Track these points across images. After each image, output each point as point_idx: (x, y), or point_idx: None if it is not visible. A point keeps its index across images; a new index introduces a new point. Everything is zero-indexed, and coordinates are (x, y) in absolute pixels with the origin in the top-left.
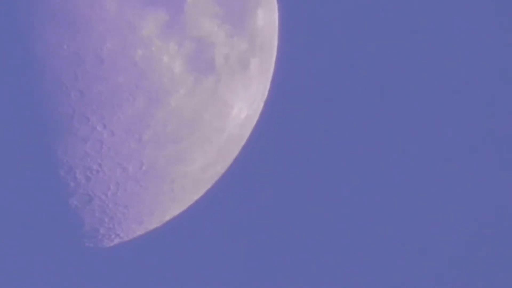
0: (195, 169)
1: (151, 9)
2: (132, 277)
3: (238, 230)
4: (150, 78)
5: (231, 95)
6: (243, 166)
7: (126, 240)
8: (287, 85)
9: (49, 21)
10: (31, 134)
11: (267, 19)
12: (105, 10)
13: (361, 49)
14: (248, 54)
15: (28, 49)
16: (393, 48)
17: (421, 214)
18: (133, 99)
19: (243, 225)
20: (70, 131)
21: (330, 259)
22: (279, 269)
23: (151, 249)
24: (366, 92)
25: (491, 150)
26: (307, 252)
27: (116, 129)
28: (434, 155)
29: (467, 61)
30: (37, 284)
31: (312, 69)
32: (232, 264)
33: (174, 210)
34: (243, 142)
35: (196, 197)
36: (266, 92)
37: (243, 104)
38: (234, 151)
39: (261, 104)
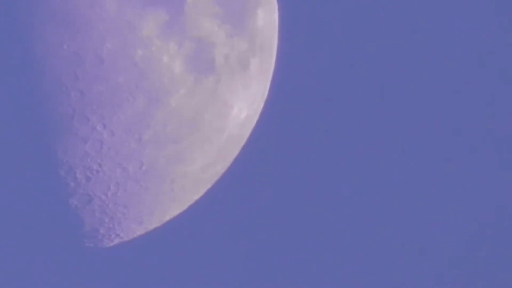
0: (195, 169)
1: (151, 9)
2: (132, 277)
3: (238, 230)
4: (150, 78)
5: (231, 95)
6: (243, 166)
7: (126, 240)
8: (287, 85)
9: (49, 21)
10: (31, 134)
11: (267, 19)
12: (105, 10)
13: (361, 49)
14: (248, 54)
15: (28, 49)
16: (393, 48)
17: (421, 214)
18: (133, 99)
19: (243, 225)
20: (70, 131)
21: (330, 259)
22: (279, 269)
23: (151, 249)
24: (366, 92)
25: (491, 150)
26: (307, 252)
27: (116, 129)
28: (434, 155)
29: (467, 61)
30: (37, 284)
31: (312, 69)
32: (232, 264)
33: (174, 210)
34: (243, 142)
35: (196, 197)
36: (266, 92)
37: (243, 104)
38: (234, 151)
39: (261, 104)
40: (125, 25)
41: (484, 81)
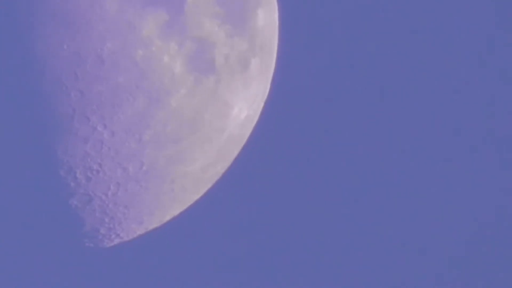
0: (195, 169)
1: (151, 9)
2: (132, 277)
3: (238, 230)
4: (150, 78)
5: (232, 95)
6: (243, 166)
7: (126, 240)
8: (287, 85)
9: (49, 21)
10: (31, 134)
11: (267, 19)
12: (105, 10)
13: (361, 49)
14: (248, 54)
15: (28, 49)
16: (393, 48)
17: (421, 214)
18: (134, 99)
19: (243, 225)
20: (70, 131)
21: (330, 259)
22: (279, 269)
23: (151, 249)
24: (366, 92)
25: (491, 150)
26: (307, 252)
27: (117, 129)
28: (434, 155)
29: (467, 61)
30: (37, 284)
31: (312, 69)
32: (232, 264)
33: (174, 210)
34: (243, 142)
35: (196, 197)
36: (267, 92)
37: (243, 104)
38: (234, 151)
39: (261, 104)
40: (125, 25)
41: (484, 81)
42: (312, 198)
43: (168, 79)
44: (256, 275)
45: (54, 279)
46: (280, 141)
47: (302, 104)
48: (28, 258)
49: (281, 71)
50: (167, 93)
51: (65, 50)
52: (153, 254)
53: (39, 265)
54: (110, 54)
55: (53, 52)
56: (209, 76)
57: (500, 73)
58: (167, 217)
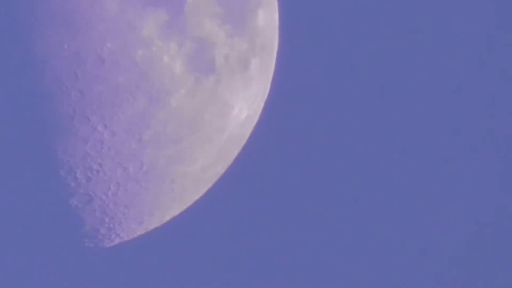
0: (195, 169)
1: (151, 9)
2: (132, 277)
3: (238, 230)
4: (150, 78)
5: (232, 95)
6: (243, 166)
7: (126, 240)
8: (288, 85)
9: (49, 21)
10: (31, 134)
11: (268, 19)
12: (105, 10)
13: (361, 49)
14: (248, 54)
15: (28, 49)
16: (393, 48)
17: (421, 214)
18: (134, 99)
19: (243, 225)
20: (70, 131)
21: (330, 259)
22: (279, 269)
23: (151, 249)
24: (366, 92)
25: (491, 150)
26: (307, 252)
27: (117, 129)
28: (434, 155)
29: (467, 61)
30: (37, 284)
31: (312, 69)
32: (232, 264)
33: (175, 210)
34: (243, 142)
35: (196, 197)
36: (267, 92)
37: (243, 104)
38: (234, 151)
39: (262, 104)
40: (125, 25)
41: (484, 81)
42: (312, 198)
43: (168, 79)
44: (256, 275)
45: (54, 279)
46: (280, 141)
47: (302, 104)
48: (28, 258)
49: (281, 71)
50: (167, 93)
51: (65, 50)
52: (153, 254)
53: (39, 265)
54: (110, 54)
55: (53, 52)
56: (209, 76)
57: (500, 73)
58: (167, 217)
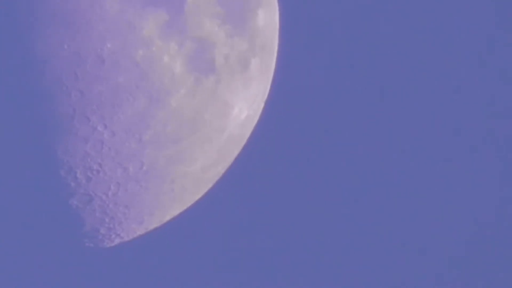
0: (195, 169)
1: (151, 9)
2: (132, 277)
3: (238, 230)
4: (150, 78)
5: (232, 95)
6: (243, 166)
7: (126, 240)
8: (288, 85)
9: (49, 21)
10: (32, 134)
11: (268, 19)
12: (105, 10)
13: (361, 49)
14: (248, 54)
15: (28, 49)
16: (393, 48)
17: (421, 214)
18: (134, 99)
19: (243, 225)
20: (70, 131)
21: (330, 259)
22: (279, 269)
23: (152, 249)
24: (366, 92)
25: (491, 150)
26: (307, 252)
27: (117, 129)
28: (434, 155)
29: (467, 61)
30: (37, 284)
31: (312, 69)
32: (232, 264)
33: (175, 210)
34: (243, 142)
35: (196, 197)
36: (267, 92)
37: (243, 104)
38: (234, 151)
39: (262, 104)
40: (125, 25)
41: (484, 81)
42: (312, 198)
43: (168, 79)
44: (256, 275)
45: (54, 279)
46: (280, 141)
47: (302, 104)
48: (28, 258)
49: (281, 71)
50: (167, 93)
51: (65, 50)
52: (153, 254)
53: (39, 265)
54: (110, 54)
55: (53, 52)
56: (209, 76)
57: (500, 73)
58: (167, 217)
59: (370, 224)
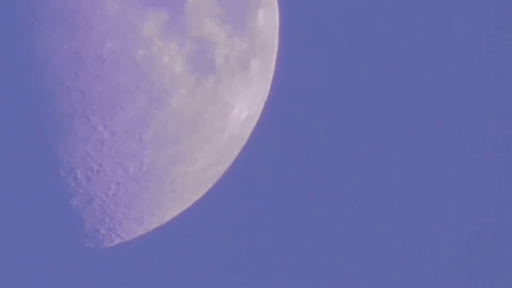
0: (195, 169)
1: (151, 9)
2: (132, 277)
3: (238, 230)
4: (150, 78)
5: (232, 95)
6: (243, 167)
7: (126, 240)
8: (288, 85)
9: (49, 21)
10: (32, 134)
11: (268, 19)
12: (105, 10)
13: (361, 49)
14: (248, 54)
15: (28, 49)
16: (393, 48)
17: (421, 214)
18: (134, 99)
19: (243, 225)
20: (70, 131)
21: (330, 259)
22: (279, 269)
23: (152, 249)
24: (366, 92)
25: (491, 150)
26: (307, 252)
27: (117, 129)
28: (434, 155)
29: (467, 61)
30: (37, 284)
31: (312, 69)
32: (232, 264)
33: (175, 210)
34: (243, 142)
35: (196, 197)
36: (267, 93)
37: (243, 104)
38: (234, 152)
39: (262, 105)
40: (125, 25)
41: (484, 81)
42: (312, 198)
43: (168, 79)
44: (256, 275)
45: (54, 279)
46: (280, 141)
47: (302, 105)
48: (28, 258)
49: (281, 71)
50: (167, 93)
51: (65, 50)
52: (154, 254)
53: (39, 265)
54: (111, 54)
55: (54, 52)
56: (209, 76)
57: (500, 73)
58: (168, 217)
59: (370, 224)
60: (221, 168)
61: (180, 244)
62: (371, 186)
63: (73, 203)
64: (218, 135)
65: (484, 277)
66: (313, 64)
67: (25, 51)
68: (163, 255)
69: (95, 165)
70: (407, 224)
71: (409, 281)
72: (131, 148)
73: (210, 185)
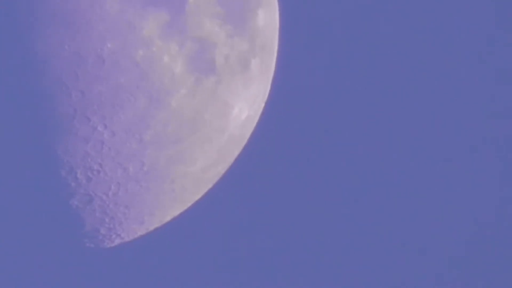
0: (195, 169)
1: (152, 9)
2: (132, 277)
3: (238, 230)
4: (151, 78)
5: (232, 95)
6: (243, 167)
7: (127, 240)
8: (288, 85)
9: (49, 21)
10: (32, 134)
11: (268, 19)
12: (105, 10)
13: (361, 49)
14: (248, 54)
15: (28, 49)
16: (393, 48)
17: (421, 214)
18: (134, 99)
19: (243, 225)
20: (71, 131)
21: (330, 259)
22: (279, 269)
23: (152, 250)
24: (366, 92)
25: (491, 150)
26: (307, 252)
27: (117, 129)
28: (434, 155)
29: (467, 61)
30: (37, 284)
31: (312, 69)
32: (232, 264)
33: (175, 210)
34: (243, 142)
35: (196, 197)
36: (267, 93)
37: (243, 105)
38: (234, 152)
39: (262, 105)
40: (125, 25)
41: (483, 81)
42: (312, 198)
43: (169, 79)
44: (256, 275)
45: (54, 279)
46: (280, 141)
47: (302, 105)
48: (28, 258)
49: (282, 71)
50: (168, 93)
51: (65, 50)
52: (154, 254)
53: (39, 265)
54: (111, 54)
55: (54, 52)
56: (210, 76)
57: (500, 73)
58: (168, 217)
59: (370, 224)
60: (221, 168)
61: (180, 244)
62: (371, 186)
63: (73, 203)
64: (218, 135)
65: (484, 277)
66: (313, 64)
67: (25, 51)
68: (163, 255)
69: (95, 165)
70: (407, 224)
71: (409, 281)
72: (131, 148)
73: (210, 185)
